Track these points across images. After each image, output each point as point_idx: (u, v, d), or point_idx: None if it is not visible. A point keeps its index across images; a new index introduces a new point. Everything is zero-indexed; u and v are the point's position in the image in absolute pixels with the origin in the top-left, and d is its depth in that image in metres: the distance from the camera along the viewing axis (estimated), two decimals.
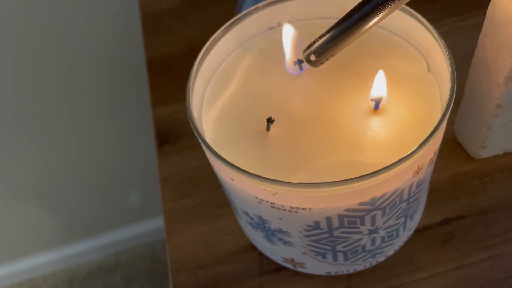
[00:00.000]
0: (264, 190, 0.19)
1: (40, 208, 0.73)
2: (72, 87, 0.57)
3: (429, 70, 0.23)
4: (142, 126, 0.57)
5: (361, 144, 0.21)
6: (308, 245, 0.22)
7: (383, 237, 0.23)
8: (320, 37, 0.21)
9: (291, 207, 0.20)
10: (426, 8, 0.36)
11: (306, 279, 0.26)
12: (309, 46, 0.22)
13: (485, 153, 0.28)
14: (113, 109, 0.60)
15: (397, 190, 0.20)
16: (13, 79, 0.54)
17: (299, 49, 0.23)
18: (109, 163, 0.69)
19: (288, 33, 0.23)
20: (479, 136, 0.27)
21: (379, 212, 0.20)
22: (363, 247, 0.23)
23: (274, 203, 0.20)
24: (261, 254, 0.27)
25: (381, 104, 0.22)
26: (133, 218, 0.80)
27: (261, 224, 0.22)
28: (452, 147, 0.29)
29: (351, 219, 0.20)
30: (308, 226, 0.21)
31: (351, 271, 0.25)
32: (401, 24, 0.23)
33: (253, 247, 0.27)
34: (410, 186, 0.20)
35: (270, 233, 0.23)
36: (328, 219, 0.20)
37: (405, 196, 0.21)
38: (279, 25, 0.25)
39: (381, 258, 0.25)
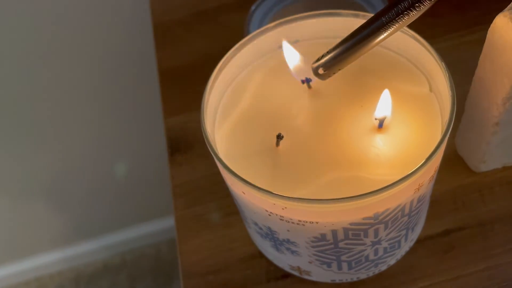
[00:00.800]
0: (274, 204, 0.20)
1: (48, 208, 0.74)
2: (87, 94, 0.58)
3: (431, 90, 0.24)
4: (153, 133, 0.58)
5: (366, 160, 0.22)
6: (314, 254, 0.24)
7: (385, 248, 0.24)
8: (328, 52, 0.23)
9: (299, 220, 0.21)
10: (431, 22, 0.37)
11: (312, 286, 0.27)
12: (318, 59, 0.23)
13: (484, 167, 0.29)
14: (126, 114, 0.62)
15: (399, 205, 0.21)
16: (27, 82, 0.55)
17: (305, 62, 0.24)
18: (118, 167, 0.70)
19: (288, 50, 0.25)
20: (478, 151, 0.28)
21: (381, 226, 0.22)
22: (367, 257, 0.24)
23: (283, 216, 0.21)
24: (268, 262, 0.28)
25: (385, 123, 0.23)
26: (139, 219, 0.81)
27: (269, 234, 0.24)
28: (453, 160, 0.30)
29: (355, 232, 0.21)
30: (315, 237, 0.22)
31: (355, 279, 0.26)
32: (405, 46, 0.25)
33: (261, 255, 0.29)
34: (412, 201, 0.21)
35: (278, 243, 0.24)
36: (334, 232, 0.21)
37: (407, 211, 0.22)
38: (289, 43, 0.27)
39: (383, 267, 0.26)
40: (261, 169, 0.23)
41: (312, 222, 0.21)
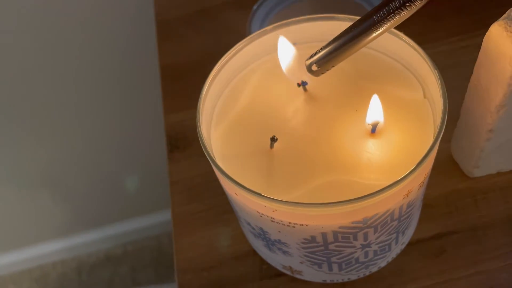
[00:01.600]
0: (265, 206, 0.21)
1: (52, 198, 0.75)
2: (87, 89, 0.59)
3: (424, 97, 0.24)
4: (153, 129, 0.59)
5: (358, 165, 0.23)
6: (305, 255, 0.24)
7: (375, 251, 0.24)
8: (321, 49, 0.23)
9: (290, 223, 0.21)
10: (431, 26, 0.37)
11: (304, 285, 0.28)
12: (311, 56, 0.23)
13: (478, 173, 0.29)
14: (127, 109, 0.62)
15: (388, 211, 0.21)
16: (30, 76, 0.56)
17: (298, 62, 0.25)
18: (120, 159, 0.70)
19: (283, 45, 0.25)
20: (472, 157, 0.28)
21: (371, 230, 0.22)
22: (357, 259, 0.24)
23: (274, 218, 0.21)
24: (262, 260, 0.29)
25: (378, 128, 0.23)
26: (141, 211, 0.82)
27: (262, 234, 0.24)
28: (448, 164, 0.31)
29: (345, 235, 0.22)
30: (305, 239, 0.22)
31: (346, 280, 0.27)
32: (401, 51, 0.25)
33: (255, 253, 0.29)
34: (401, 207, 0.22)
35: (270, 243, 0.25)
36: (324, 234, 0.22)
37: (396, 216, 0.22)
38: None
39: (374, 269, 0.27)
40: (255, 170, 0.23)
41: (302, 225, 0.21)
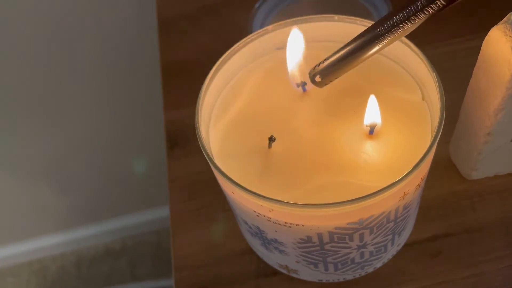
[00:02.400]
0: (262, 206, 0.21)
1: (52, 192, 0.75)
2: (88, 84, 0.59)
3: (423, 99, 0.24)
4: (153, 124, 0.59)
5: (355, 166, 0.23)
6: (301, 255, 0.24)
7: (371, 252, 0.25)
8: (325, 60, 0.23)
9: (286, 222, 0.21)
10: (433, 28, 0.37)
11: (300, 284, 0.28)
12: (314, 67, 0.23)
13: (476, 175, 0.29)
14: (128, 105, 0.62)
15: (383, 212, 0.21)
16: (33, 68, 0.56)
17: (303, 67, 0.25)
18: (120, 154, 0.71)
19: (293, 43, 0.25)
20: (470, 159, 0.28)
21: (366, 231, 0.22)
22: (352, 259, 0.25)
23: (270, 218, 0.22)
24: (259, 258, 0.29)
25: (376, 129, 0.23)
26: (141, 206, 0.82)
27: (258, 234, 0.24)
28: (446, 166, 0.31)
29: (340, 236, 0.22)
30: (301, 239, 0.22)
31: (341, 279, 0.27)
32: (400, 53, 0.25)
33: (251, 251, 0.29)
34: (397, 209, 0.22)
35: (267, 242, 0.25)
36: (319, 235, 0.22)
37: (392, 218, 0.22)
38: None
39: (370, 270, 0.27)
40: (252, 170, 0.23)
41: (298, 225, 0.21)
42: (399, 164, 0.22)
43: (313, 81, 0.24)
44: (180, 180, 0.33)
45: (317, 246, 0.23)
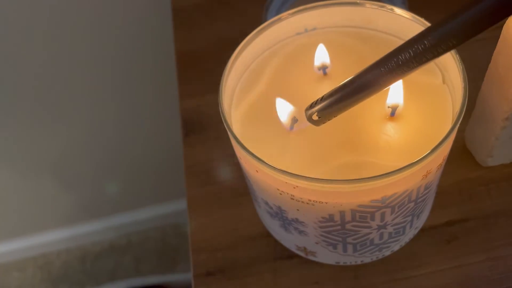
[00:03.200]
0: (286, 183, 0.21)
1: (58, 187, 0.75)
2: (103, 74, 0.59)
3: (443, 82, 0.25)
4: (167, 116, 0.59)
5: (376, 147, 0.23)
6: (321, 235, 0.24)
7: (390, 233, 0.25)
8: (322, 99, 0.22)
9: (309, 200, 0.22)
10: None
11: (317, 267, 0.28)
12: (311, 105, 0.22)
13: (491, 162, 0.30)
14: (140, 96, 0.63)
15: (406, 191, 0.22)
16: (40, 62, 0.56)
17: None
18: (126, 149, 0.71)
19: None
20: (486, 146, 0.29)
21: (388, 210, 0.22)
22: (372, 240, 0.25)
23: (293, 195, 0.22)
24: (275, 242, 0.29)
25: (397, 112, 0.23)
26: (146, 202, 0.82)
27: (279, 214, 0.25)
28: (462, 153, 0.31)
29: (362, 214, 0.22)
30: (323, 218, 0.23)
31: (359, 262, 0.27)
32: None
33: (268, 235, 0.30)
34: (419, 188, 0.22)
35: (287, 222, 0.25)
36: (342, 213, 0.22)
37: (413, 197, 0.23)
38: (306, 30, 0.27)
39: (387, 253, 0.27)
40: (274, 150, 0.24)
41: (322, 202, 0.21)
42: (420, 146, 0.23)
43: (310, 119, 0.22)
44: (196, 167, 0.34)
45: (338, 226, 0.23)
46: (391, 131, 0.23)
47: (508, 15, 0.16)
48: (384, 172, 0.20)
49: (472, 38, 0.17)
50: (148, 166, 0.74)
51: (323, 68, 0.26)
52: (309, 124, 0.23)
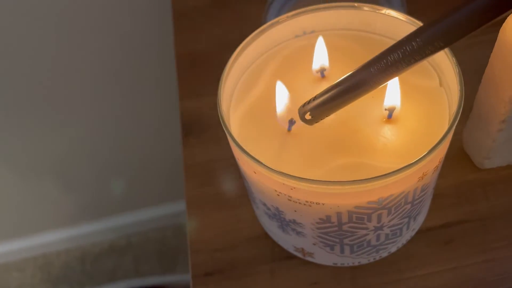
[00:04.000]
0: (283, 184, 0.21)
1: (58, 188, 0.75)
2: (103, 74, 0.59)
3: (440, 85, 0.25)
4: (167, 117, 0.59)
5: (373, 148, 0.23)
6: (319, 236, 0.25)
7: (387, 235, 0.25)
8: (315, 98, 0.22)
9: (306, 201, 0.22)
10: None
11: (314, 268, 0.28)
12: (304, 105, 0.23)
13: (489, 164, 0.30)
14: (140, 97, 0.63)
15: (402, 192, 0.22)
16: (41, 62, 0.56)
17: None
18: (127, 150, 0.71)
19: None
20: (484, 148, 0.29)
21: (385, 211, 0.23)
22: (368, 242, 0.25)
23: (291, 196, 0.22)
24: (273, 243, 0.29)
25: (394, 114, 0.24)
26: (146, 203, 0.82)
27: (277, 215, 0.25)
28: (459, 155, 0.31)
29: (359, 216, 0.22)
30: (320, 219, 0.23)
31: (356, 263, 0.27)
32: None
33: (266, 236, 0.30)
34: (415, 189, 0.22)
35: (285, 223, 0.25)
36: (339, 214, 0.22)
37: (410, 199, 0.23)
38: (304, 33, 0.28)
39: (384, 254, 0.27)
40: (272, 152, 0.24)
41: (319, 204, 0.22)
42: (417, 148, 0.23)
43: (302, 118, 0.23)
44: (195, 167, 0.34)
45: (335, 227, 0.23)
46: (388, 133, 0.24)
47: (493, 18, 0.16)
48: (381, 174, 0.20)
49: (460, 39, 0.17)
50: (148, 167, 0.74)
51: (321, 70, 0.26)
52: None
